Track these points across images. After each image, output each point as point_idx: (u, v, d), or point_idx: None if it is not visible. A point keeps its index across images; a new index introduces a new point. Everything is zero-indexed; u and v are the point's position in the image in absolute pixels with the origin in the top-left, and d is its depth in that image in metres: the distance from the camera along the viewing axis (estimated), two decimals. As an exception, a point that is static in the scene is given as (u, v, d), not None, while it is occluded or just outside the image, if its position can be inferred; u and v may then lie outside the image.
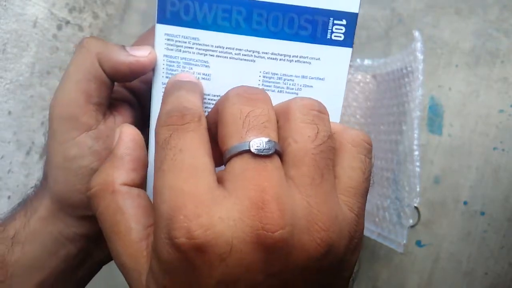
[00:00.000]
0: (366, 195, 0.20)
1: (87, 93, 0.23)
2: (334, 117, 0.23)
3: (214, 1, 0.22)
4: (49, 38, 0.49)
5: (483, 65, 0.54)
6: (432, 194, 0.53)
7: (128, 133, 0.21)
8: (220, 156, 0.18)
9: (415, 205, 0.44)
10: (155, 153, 0.18)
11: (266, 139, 0.17)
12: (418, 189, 0.44)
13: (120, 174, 0.20)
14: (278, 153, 0.18)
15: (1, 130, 0.46)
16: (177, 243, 0.16)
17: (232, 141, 0.18)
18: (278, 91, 0.23)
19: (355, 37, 0.23)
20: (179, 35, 0.23)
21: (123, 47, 0.23)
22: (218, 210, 0.16)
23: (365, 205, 0.20)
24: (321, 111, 0.19)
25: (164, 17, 0.23)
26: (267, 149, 0.17)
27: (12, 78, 0.46)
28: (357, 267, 0.21)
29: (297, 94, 0.23)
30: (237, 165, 0.17)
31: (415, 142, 0.45)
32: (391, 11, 0.55)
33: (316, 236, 0.17)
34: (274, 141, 0.17)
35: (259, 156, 0.17)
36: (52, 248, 0.24)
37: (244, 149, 0.17)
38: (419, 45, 0.46)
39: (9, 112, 0.46)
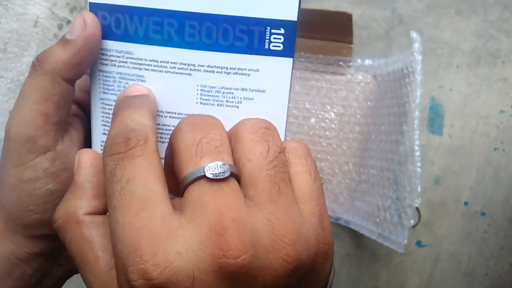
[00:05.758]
0: (323, 194, 0.19)
1: (46, 113, 0.21)
2: (279, 129, 0.22)
3: (144, 13, 0.21)
4: (50, 38, 0.50)
5: (484, 65, 0.54)
6: (433, 194, 0.53)
7: (86, 159, 0.20)
8: (179, 186, 0.18)
9: (416, 205, 0.44)
10: (105, 187, 0.17)
11: (221, 163, 0.17)
12: (419, 190, 0.44)
13: (82, 203, 0.19)
14: (235, 175, 0.17)
15: (1, 130, 0.46)
16: (135, 285, 0.15)
17: (187, 169, 0.17)
18: (218, 105, 0.22)
19: (295, 47, 0.21)
20: (112, 49, 0.22)
21: (63, 43, 0.21)
22: (175, 244, 0.16)
23: (325, 204, 0.19)
24: (268, 128, 0.19)
25: None
26: (222, 172, 0.17)
27: (13, 78, 0.46)
28: (332, 275, 0.21)
29: (237, 107, 0.22)
30: (194, 192, 0.17)
31: (416, 142, 0.45)
32: (391, 11, 0.55)
33: (282, 253, 0.16)
34: (229, 164, 0.17)
35: (215, 180, 0.17)
36: (5, 270, 0.23)
37: (199, 175, 0.17)
38: (417, 45, 0.46)
39: (10, 112, 0.46)
